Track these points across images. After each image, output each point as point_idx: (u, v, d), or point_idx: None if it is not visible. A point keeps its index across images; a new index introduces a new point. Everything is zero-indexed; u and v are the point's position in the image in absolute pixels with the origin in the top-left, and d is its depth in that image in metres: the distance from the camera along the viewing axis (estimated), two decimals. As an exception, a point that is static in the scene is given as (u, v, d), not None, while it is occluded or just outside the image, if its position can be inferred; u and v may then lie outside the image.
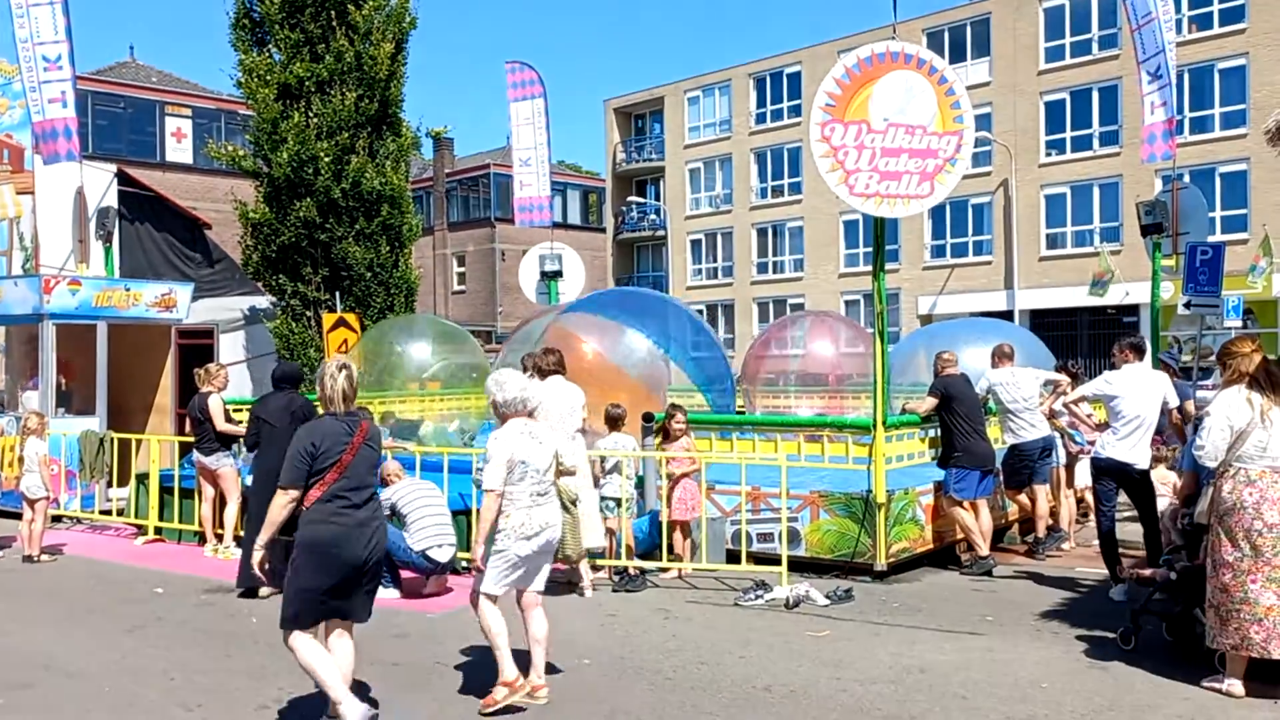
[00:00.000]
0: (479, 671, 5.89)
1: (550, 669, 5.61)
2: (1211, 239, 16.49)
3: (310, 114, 17.64)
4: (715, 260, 45.04)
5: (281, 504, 4.68)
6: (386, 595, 7.77)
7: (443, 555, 7.83)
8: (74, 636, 6.88)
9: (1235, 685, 5.33)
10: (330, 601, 4.72)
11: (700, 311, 45.48)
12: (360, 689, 5.20)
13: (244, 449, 8.76)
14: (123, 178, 16.05)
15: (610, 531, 8.43)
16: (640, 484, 8.93)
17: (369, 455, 4.85)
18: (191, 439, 9.61)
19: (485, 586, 5.22)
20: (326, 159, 17.45)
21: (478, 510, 8.42)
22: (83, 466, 10.95)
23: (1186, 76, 29.85)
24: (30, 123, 12.94)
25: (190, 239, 18.64)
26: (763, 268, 43.26)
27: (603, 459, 8.41)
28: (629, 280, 49.74)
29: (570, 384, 8.03)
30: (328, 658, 4.74)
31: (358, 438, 4.76)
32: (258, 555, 4.92)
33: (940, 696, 5.42)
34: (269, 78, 17.72)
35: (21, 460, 9.72)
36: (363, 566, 4.72)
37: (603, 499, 8.44)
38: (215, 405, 9.32)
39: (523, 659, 5.33)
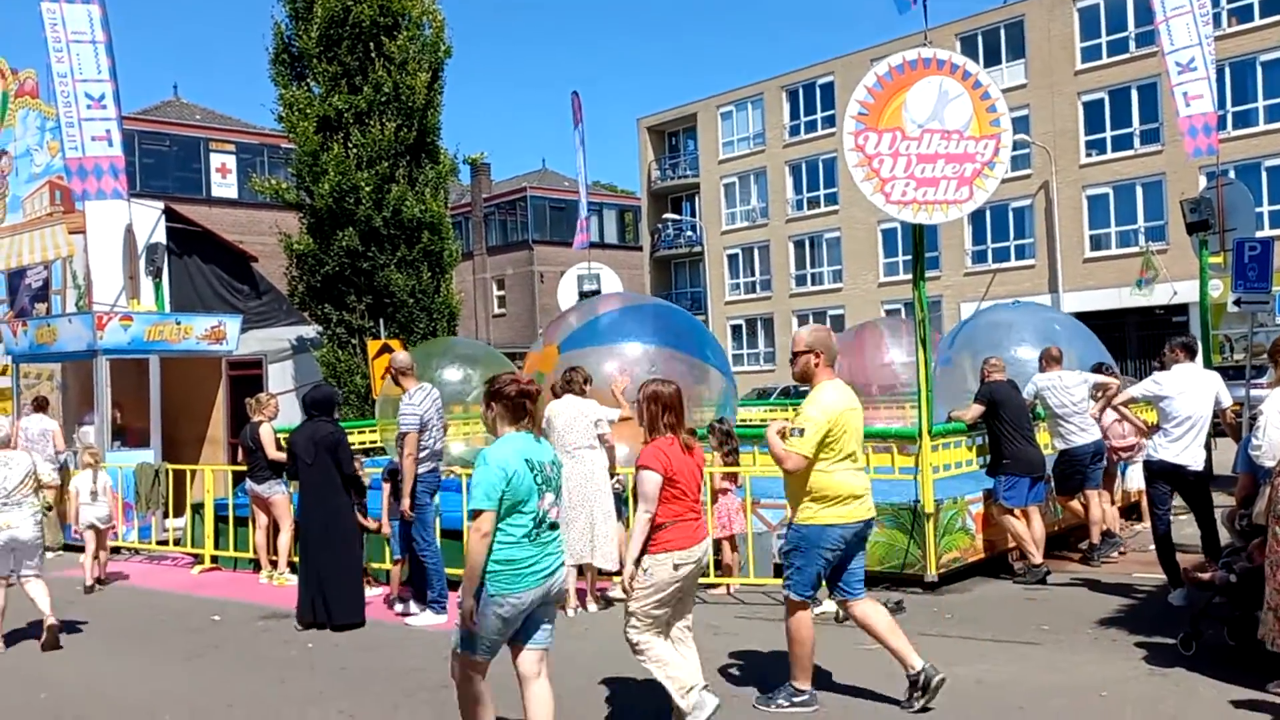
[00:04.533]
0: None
1: (600, 685, 5.61)
2: (1260, 234, 16.21)
3: (350, 145, 17.95)
4: (753, 274, 44.97)
5: None
6: (435, 621, 7.81)
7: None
8: (133, 666, 7.00)
9: (1302, 689, 5.20)
10: None
11: (739, 326, 45.43)
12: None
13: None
14: (170, 214, 16.39)
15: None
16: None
17: None
18: (244, 468, 9.77)
19: None
20: (367, 188, 17.73)
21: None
22: (139, 498, 11.16)
23: (1228, 70, 29.38)
24: (65, 160, 13.18)
25: (237, 272, 19.01)
26: (801, 280, 43.12)
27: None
28: (667, 297, 49.82)
29: (583, 400, 8.03)
30: None
31: None
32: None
33: (998, 708, 5.35)
34: (309, 110, 18.06)
35: (76, 494, 9.95)
36: None
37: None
38: (266, 434, 9.47)
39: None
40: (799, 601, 5.38)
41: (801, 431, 5.17)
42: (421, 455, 7.70)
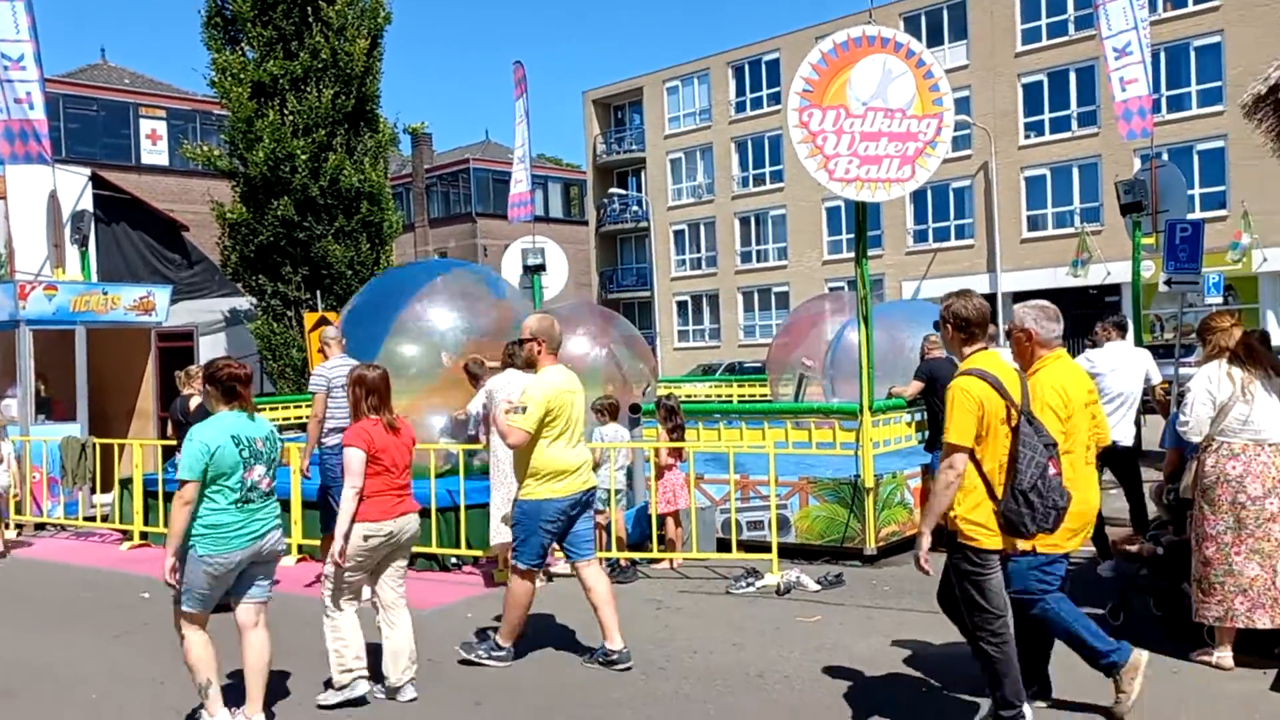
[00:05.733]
0: (471, 669, 5.88)
1: (543, 658, 5.60)
2: (1191, 216, 16.59)
3: (286, 112, 17.53)
4: (699, 250, 45.03)
5: None
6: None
7: None
8: (61, 643, 6.81)
9: (1225, 657, 5.36)
10: None
11: (685, 302, 45.49)
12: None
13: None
14: (97, 181, 15.91)
15: (599, 525, 8.41)
16: (630, 475, 8.90)
17: None
18: (174, 442, 9.53)
19: None
20: (303, 157, 17.36)
21: (466, 506, 8.47)
22: (65, 473, 10.87)
23: (1163, 55, 29.96)
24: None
25: (168, 241, 18.54)
26: (746, 257, 43.28)
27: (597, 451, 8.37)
28: (613, 273, 49.70)
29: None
30: None
31: None
32: None
33: (933, 676, 5.43)
34: (243, 76, 17.60)
35: None
36: None
37: (593, 490, 8.42)
38: (197, 407, 9.25)
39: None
40: (525, 570, 5.81)
41: (524, 409, 5.65)
42: (331, 425, 7.76)
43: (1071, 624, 4.59)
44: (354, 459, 5.26)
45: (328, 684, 5.32)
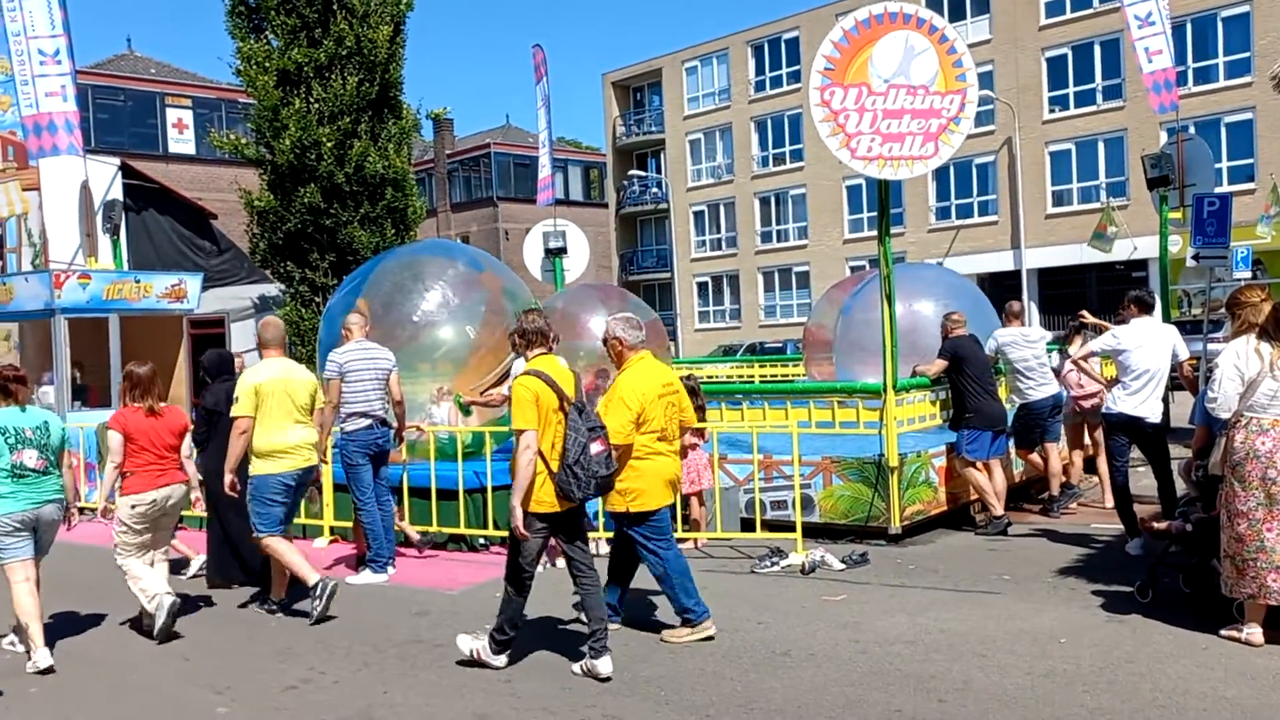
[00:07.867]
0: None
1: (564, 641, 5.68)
2: (1218, 190, 16.40)
3: (311, 99, 17.64)
4: (719, 231, 44.90)
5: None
6: (374, 579, 7.72)
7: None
8: (96, 624, 6.96)
9: (1255, 633, 5.36)
10: None
11: (705, 284, 45.39)
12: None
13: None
14: (127, 170, 16.06)
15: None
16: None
17: None
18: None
19: None
20: (329, 144, 17.48)
21: (493, 488, 8.56)
22: (101, 459, 11.05)
23: (1189, 26, 29.53)
24: (20, 118, 12.84)
25: (197, 229, 18.73)
26: (766, 237, 43.12)
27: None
28: (633, 255, 49.66)
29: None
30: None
31: None
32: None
33: (959, 655, 5.46)
34: (268, 64, 17.72)
35: None
36: None
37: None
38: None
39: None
40: (268, 536, 6.73)
41: (238, 400, 6.71)
42: (348, 411, 7.72)
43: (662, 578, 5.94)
44: (113, 440, 6.30)
45: (141, 613, 6.44)
